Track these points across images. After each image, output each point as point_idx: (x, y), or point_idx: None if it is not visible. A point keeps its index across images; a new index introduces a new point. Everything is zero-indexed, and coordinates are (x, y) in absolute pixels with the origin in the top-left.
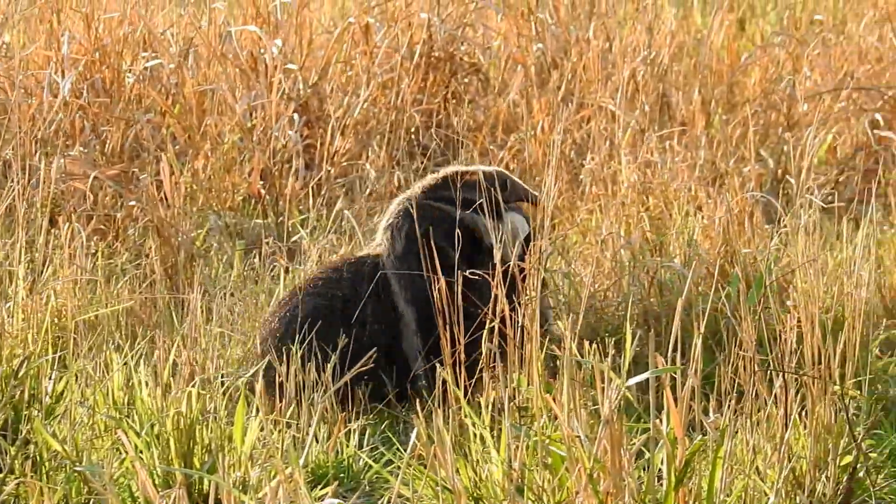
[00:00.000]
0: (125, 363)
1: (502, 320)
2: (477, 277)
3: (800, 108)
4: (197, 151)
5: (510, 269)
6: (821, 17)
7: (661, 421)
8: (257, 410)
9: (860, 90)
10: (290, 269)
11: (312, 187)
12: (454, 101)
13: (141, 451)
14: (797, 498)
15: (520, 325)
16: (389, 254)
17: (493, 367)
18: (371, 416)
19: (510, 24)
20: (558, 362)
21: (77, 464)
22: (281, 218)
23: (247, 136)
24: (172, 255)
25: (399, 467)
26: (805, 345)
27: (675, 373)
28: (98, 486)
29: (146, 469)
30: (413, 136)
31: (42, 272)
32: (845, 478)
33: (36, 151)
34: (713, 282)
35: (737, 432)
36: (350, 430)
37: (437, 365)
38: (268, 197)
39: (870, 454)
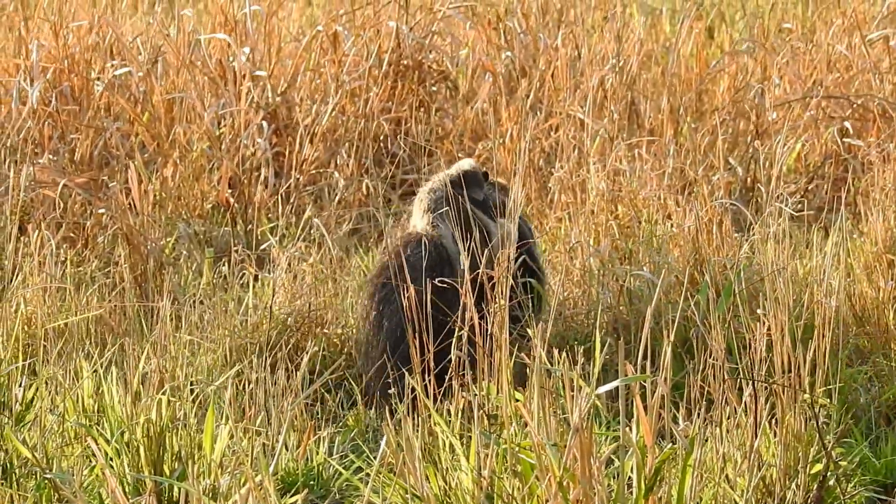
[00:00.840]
0: (95, 371)
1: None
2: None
3: (769, 116)
4: (166, 159)
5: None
6: (790, 26)
7: (630, 429)
8: (227, 418)
9: (829, 98)
10: (260, 276)
11: (281, 195)
12: (422, 109)
13: (111, 459)
14: None
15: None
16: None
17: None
18: (340, 423)
19: (479, 33)
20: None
21: (47, 471)
22: (250, 226)
23: (215, 144)
24: (142, 263)
25: (369, 475)
26: (775, 353)
27: (645, 381)
28: (68, 493)
29: (116, 476)
30: (381, 144)
31: (11, 280)
32: (815, 486)
33: (5, 159)
34: (683, 290)
35: (706, 440)
36: (320, 437)
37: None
38: (237, 205)
39: (840, 462)
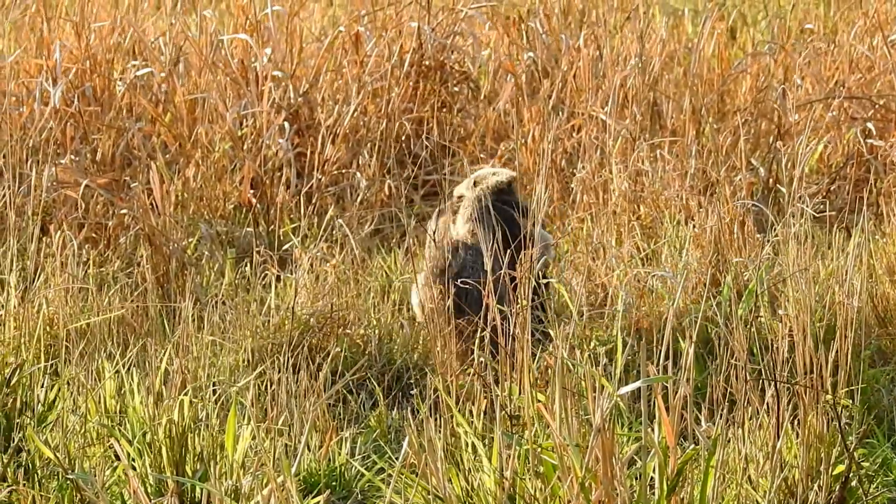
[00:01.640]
0: (117, 371)
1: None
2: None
3: (791, 117)
4: (188, 160)
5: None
6: (811, 26)
7: (652, 430)
8: (249, 419)
9: (851, 99)
10: (282, 277)
11: (303, 196)
12: (445, 109)
13: (133, 459)
14: None
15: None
16: None
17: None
18: (363, 424)
19: (500, 33)
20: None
21: (69, 471)
22: (272, 226)
23: (237, 144)
24: (164, 264)
25: (391, 476)
26: (797, 354)
27: (667, 382)
28: (90, 493)
29: (138, 477)
30: (403, 145)
31: (34, 280)
32: (837, 487)
33: (27, 160)
34: (704, 291)
35: (729, 441)
36: (342, 438)
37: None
38: (259, 205)
39: (862, 463)
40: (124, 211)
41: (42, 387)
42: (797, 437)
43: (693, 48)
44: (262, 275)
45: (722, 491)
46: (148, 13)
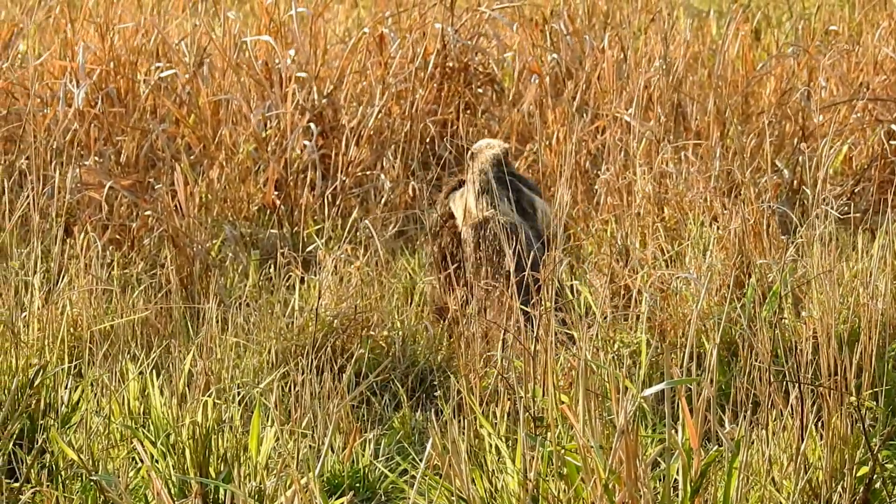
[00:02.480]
0: (140, 373)
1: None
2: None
3: (815, 118)
4: (212, 161)
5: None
6: (836, 28)
7: (676, 431)
8: (273, 420)
9: (875, 101)
10: (306, 279)
11: (327, 197)
12: (469, 111)
13: (156, 461)
14: None
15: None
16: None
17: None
18: (386, 426)
19: (525, 35)
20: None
21: (93, 473)
22: (296, 228)
23: (261, 146)
24: (188, 265)
25: (415, 477)
26: (821, 355)
27: (691, 383)
28: (114, 495)
29: (162, 478)
30: (428, 146)
31: (57, 282)
32: (861, 489)
33: (51, 161)
34: (729, 293)
35: (752, 443)
36: (366, 439)
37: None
38: (283, 207)
39: (886, 465)
40: (148, 212)
41: (66, 388)
42: (821, 438)
43: (717, 50)
44: (286, 276)
45: (746, 493)
46: (172, 15)
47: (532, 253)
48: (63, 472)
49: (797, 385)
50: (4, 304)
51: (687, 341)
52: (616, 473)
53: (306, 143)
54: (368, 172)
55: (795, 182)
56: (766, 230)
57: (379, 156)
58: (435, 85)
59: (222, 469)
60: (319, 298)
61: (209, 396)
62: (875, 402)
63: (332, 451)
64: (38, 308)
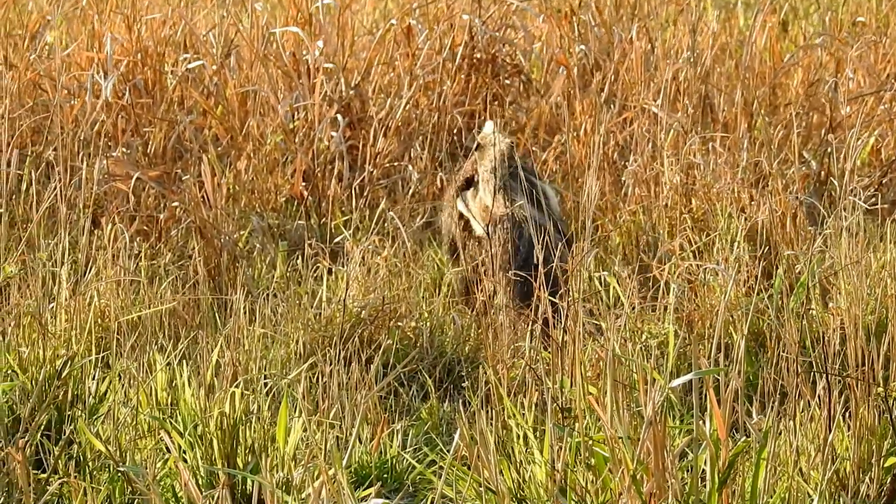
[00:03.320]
0: (168, 363)
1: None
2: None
3: (843, 109)
4: (239, 152)
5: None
6: (863, 19)
7: (704, 422)
8: (300, 411)
9: None
10: (333, 270)
11: (355, 188)
12: (496, 102)
13: (184, 452)
14: (841, 499)
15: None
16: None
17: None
18: (414, 416)
19: (552, 26)
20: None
21: (120, 464)
22: (324, 219)
23: (289, 137)
24: (215, 256)
25: (442, 468)
26: (848, 346)
27: (719, 374)
28: (141, 486)
29: (189, 469)
30: (455, 138)
31: (85, 273)
32: (889, 479)
33: (78, 152)
34: (756, 283)
35: (780, 433)
36: (393, 430)
37: None
38: (310, 198)
39: None
40: (176, 204)
41: (93, 379)
42: (848, 429)
43: (745, 41)
44: (314, 267)
45: (773, 483)
46: (199, 6)
47: (559, 246)
48: (90, 464)
49: (825, 376)
50: (32, 296)
51: (715, 332)
52: (644, 464)
53: (334, 134)
54: (396, 164)
55: (823, 173)
56: (794, 221)
57: (406, 147)
58: (462, 76)
59: (250, 460)
60: (347, 289)
61: (237, 387)
62: None
63: (360, 442)
64: (66, 299)
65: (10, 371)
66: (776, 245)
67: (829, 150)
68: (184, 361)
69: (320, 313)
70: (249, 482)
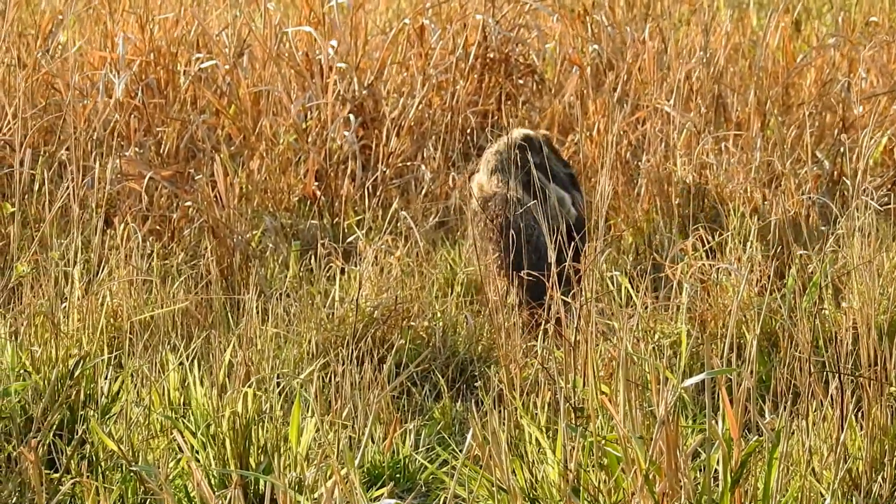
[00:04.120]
0: (181, 363)
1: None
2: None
3: (855, 109)
4: (252, 152)
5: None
6: (876, 19)
7: (716, 422)
8: (313, 411)
9: None
10: (346, 269)
11: (368, 188)
12: (509, 102)
13: (197, 452)
14: (853, 499)
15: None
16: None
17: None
18: (426, 416)
19: (565, 26)
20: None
21: (133, 464)
22: (336, 219)
23: (302, 137)
24: (228, 256)
25: (455, 468)
26: (861, 346)
27: (731, 374)
28: (154, 486)
29: (202, 469)
30: (468, 137)
31: (98, 273)
32: None
33: (91, 152)
34: (769, 283)
35: (793, 433)
36: (406, 430)
37: None
38: (323, 198)
39: None
40: (188, 203)
41: (106, 379)
42: (861, 429)
43: (758, 41)
44: (327, 267)
45: (786, 483)
46: (212, 6)
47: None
48: (103, 463)
49: (837, 375)
50: (45, 295)
51: (727, 332)
52: (656, 464)
53: (346, 133)
54: (409, 163)
55: (836, 173)
56: (807, 221)
57: (419, 147)
58: (475, 76)
59: (262, 460)
60: (360, 289)
61: (249, 387)
62: None
63: (373, 442)
64: (79, 299)
65: (22, 371)
66: (789, 245)
67: (841, 149)
68: (196, 361)
69: (333, 313)
70: (262, 482)
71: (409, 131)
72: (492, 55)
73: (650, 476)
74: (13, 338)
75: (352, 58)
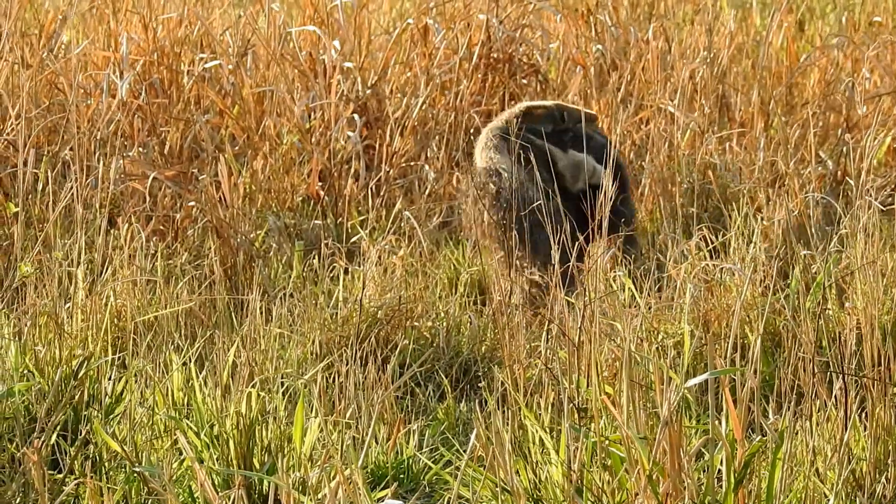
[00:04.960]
0: (184, 364)
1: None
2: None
3: (859, 109)
4: (256, 152)
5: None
6: (880, 19)
7: (720, 422)
8: (317, 411)
9: None
10: (350, 269)
11: (371, 188)
12: (513, 101)
13: (200, 452)
14: (857, 499)
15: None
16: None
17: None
18: (430, 417)
19: (569, 26)
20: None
21: (136, 464)
22: (340, 219)
23: (305, 137)
24: (232, 256)
25: (458, 468)
26: (865, 346)
27: (735, 374)
28: (157, 486)
29: (205, 470)
30: (472, 137)
31: (101, 273)
32: None
33: (94, 152)
34: (772, 283)
35: (796, 434)
36: (409, 430)
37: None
38: (327, 198)
39: None
40: (192, 203)
41: (109, 379)
42: (865, 429)
43: (762, 41)
44: (330, 267)
45: (789, 483)
46: (215, 5)
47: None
48: (106, 464)
49: (841, 376)
50: (48, 295)
51: (731, 332)
52: (660, 464)
53: (350, 133)
54: (412, 163)
55: (839, 173)
56: (810, 221)
57: (423, 146)
58: (479, 76)
59: (266, 460)
60: (363, 289)
61: (253, 387)
62: None
63: (376, 442)
64: (82, 299)
65: (26, 371)
66: (792, 245)
67: (845, 149)
68: (200, 361)
69: (336, 313)
70: (266, 483)
71: (412, 131)
72: (495, 55)
73: (654, 476)
74: (17, 338)
75: (355, 58)
